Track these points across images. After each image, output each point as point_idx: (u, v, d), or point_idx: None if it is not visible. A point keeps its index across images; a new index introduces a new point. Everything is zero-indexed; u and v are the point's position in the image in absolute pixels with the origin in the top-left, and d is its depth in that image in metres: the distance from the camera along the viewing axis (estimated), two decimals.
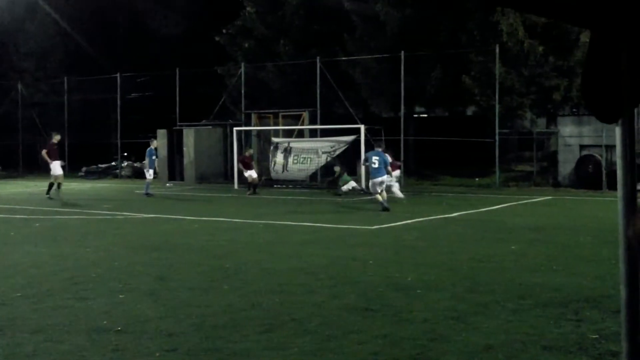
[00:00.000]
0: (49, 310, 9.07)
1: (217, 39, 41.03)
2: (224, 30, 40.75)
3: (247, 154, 30.68)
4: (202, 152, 36.38)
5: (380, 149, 22.34)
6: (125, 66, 46.46)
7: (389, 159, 23.17)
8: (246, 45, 39.97)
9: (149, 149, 29.11)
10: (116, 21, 57.67)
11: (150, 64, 49.28)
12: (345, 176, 28.50)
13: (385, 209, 20.97)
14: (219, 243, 15.12)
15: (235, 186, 32.30)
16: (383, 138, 26.33)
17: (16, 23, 52.43)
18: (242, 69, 38.36)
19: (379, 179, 21.38)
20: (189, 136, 36.54)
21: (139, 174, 40.52)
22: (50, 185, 26.91)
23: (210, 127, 37.89)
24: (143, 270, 11.83)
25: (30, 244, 15.17)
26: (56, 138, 27.45)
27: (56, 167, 26.86)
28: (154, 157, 28.99)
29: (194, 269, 11.95)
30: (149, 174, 28.60)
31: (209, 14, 50.36)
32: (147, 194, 27.91)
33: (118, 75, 43.51)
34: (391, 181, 24.12)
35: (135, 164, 42.22)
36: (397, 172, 24.65)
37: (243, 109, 37.86)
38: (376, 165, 21.38)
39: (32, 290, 10.28)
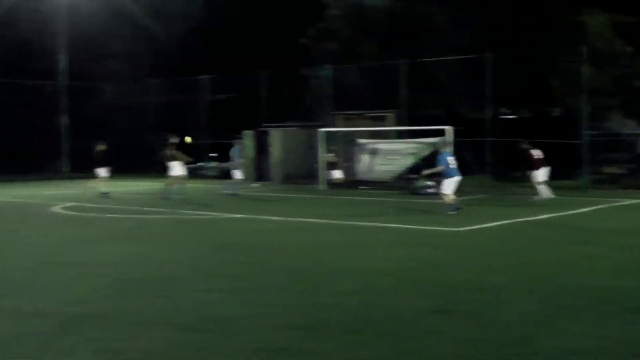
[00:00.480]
0: (137, 307, 9.30)
1: (302, 40, 41.27)
2: (309, 32, 40.96)
3: (328, 153, 30.83)
4: (287, 152, 36.67)
5: (448, 150, 21.99)
6: (213, 67, 47.12)
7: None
8: (330, 46, 40.11)
9: (233, 148, 29.42)
10: (204, 23, 58.47)
11: (238, 65, 49.88)
12: (421, 180, 28.41)
13: (458, 208, 20.77)
14: (303, 243, 15.24)
15: (321, 186, 32.47)
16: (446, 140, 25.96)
17: (106, 25, 53.66)
18: (327, 70, 38.50)
19: (456, 179, 21.17)
20: (275, 137, 36.88)
21: (226, 175, 41.00)
22: (174, 187, 27.41)
23: (296, 128, 38.15)
24: (228, 270, 12.02)
25: (120, 242, 15.55)
26: (174, 140, 27.86)
27: (176, 168, 27.35)
28: (239, 158, 29.28)
29: (278, 269, 12.07)
30: (237, 174, 28.85)
31: (294, 16, 50.70)
32: (231, 194, 28.14)
33: (206, 76, 44.18)
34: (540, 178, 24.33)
35: (222, 165, 42.73)
36: (544, 170, 24.60)
37: (328, 110, 38.00)
38: (454, 166, 21.20)
39: (121, 287, 10.56)
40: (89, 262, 12.90)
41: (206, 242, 15.51)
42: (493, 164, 33.36)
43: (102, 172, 28.56)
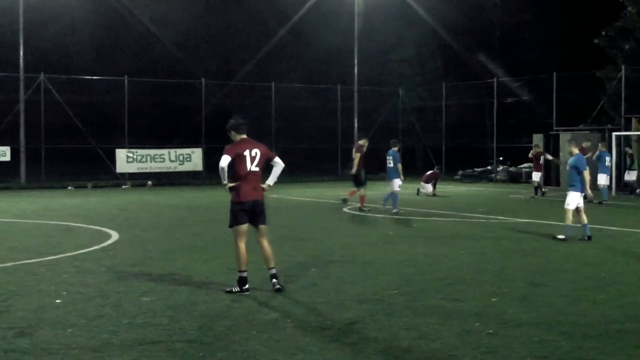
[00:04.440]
0: (424, 308, 9.42)
1: (595, 41, 39.79)
2: (602, 32, 39.41)
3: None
4: None
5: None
6: (500, 70, 46.70)
7: None
8: (626, 47, 38.34)
9: (601, 151, 28.02)
10: (491, 28, 58.25)
11: (527, 67, 49.13)
12: None
13: None
14: (594, 251, 14.70)
15: (613, 192, 31.14)
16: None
17: (394, 30, 54.93)
18: (622, 72, 36.85)
19: None
20: (566, 141, 35.80)
21: (514, 179, 40.46)
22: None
23: (588, 131, 36.84)
24: (516, 275, 11.85)
25: (407, 243, 15.81)
26: (586, 144, 27.95)
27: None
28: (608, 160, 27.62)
29: (567, 276, 11.75)
30: (604, 179, 27.34)
31: (587, 16, 49.17)
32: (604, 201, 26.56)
33: (494, 80, 43.86)
34: None
35: (510, 169, 42.18)
36: None
37: (622, 113, 36.36)
38: None
39: (408, 288, 10.73)
40: (379, 262, 13.21)
41: (493, 246, 15.38)
42: None
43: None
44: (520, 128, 42.96)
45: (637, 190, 30.33)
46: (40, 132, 37.67)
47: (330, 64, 56.77)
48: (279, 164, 10.83)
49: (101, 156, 38.67)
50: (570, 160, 16.64)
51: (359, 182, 23.63)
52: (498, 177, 41.88)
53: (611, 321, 8.73)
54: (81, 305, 9.68)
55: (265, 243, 10.65)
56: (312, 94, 49.59)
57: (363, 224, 20.21)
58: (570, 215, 16.37)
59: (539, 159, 29.38)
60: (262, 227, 10.72)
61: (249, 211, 10.56)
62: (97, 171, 39.40)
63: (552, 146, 36.49)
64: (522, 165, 42.16)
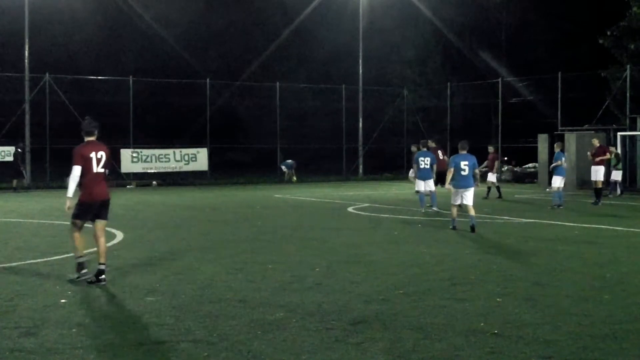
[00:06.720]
0: (429, 308, 9.41)
1: (600, 41, 39.74)
2: (608, 32, 39.36)
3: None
4: (583, 157, 35.37)
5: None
6: (505, 70, 46.58)
7: None
8: (632, 46, 38.29)
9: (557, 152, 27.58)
10: (496, 28, 58.18)
11: (532, 67, 49.08)
12: None
13: None
14: (599, 251, 14.67)
15: (618, 193, 31.11)
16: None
17: (399, 30, 54.89)
18: (628, 72, 36.79)
19: None
20: (571, 141, 35.77)
21: (519, 179, 40.44)
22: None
23: (593, 131, 36.81)
24: (521, 275, 11.83)
25: (412, 243, 15.79)
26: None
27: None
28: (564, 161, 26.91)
29: (572, 276, 11.73)
30: (558, 182, 26.08)
31: (592, 16, 49.16)
32: (557, 205, 25.22)
33: (499, 80, 43.83)
34: None
35: (515, 169, 42.16)
36: None
37: (628, 113, 36.31)
38: None
39: (413, 289, 10.72)
40: (385, 262, 13.20)
41: (498, 247, 15.38)
42: None
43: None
44: (525, 128, 42.88)
45: (621, 190, 30.62)
46: (46, 132, 37.73)
47: (334, 64, 56.79)
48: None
49: None
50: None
51: None
52: (503, 177, 41.77)
53: (616, 321, 8.72)
54: (86, 305, 9.69)
55: (102, 239, 11.41)
56: (317, 94, 49.59)
57: (368, 224, 20.19)
58: (454, 211, 18.29)
59: (495, 162, 30.38)
60: (103, 221, 11.49)
61: (96, 209, 11.34)
62: None
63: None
64: (527, 165, 42.15)
